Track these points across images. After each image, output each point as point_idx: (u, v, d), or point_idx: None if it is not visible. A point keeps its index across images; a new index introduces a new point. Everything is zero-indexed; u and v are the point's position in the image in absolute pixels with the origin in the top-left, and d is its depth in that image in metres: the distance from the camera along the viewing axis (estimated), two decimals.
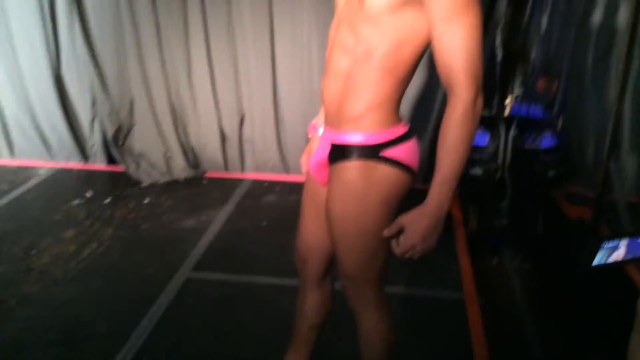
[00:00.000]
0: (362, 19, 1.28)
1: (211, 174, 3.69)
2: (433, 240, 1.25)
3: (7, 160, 3.89)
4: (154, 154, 3.60)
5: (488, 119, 3.37)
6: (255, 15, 3.21)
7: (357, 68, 1.31)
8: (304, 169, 1.69)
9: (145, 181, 3.56)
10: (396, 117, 1.36)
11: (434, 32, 1.19)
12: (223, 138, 3.58)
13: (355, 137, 1.35)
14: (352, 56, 1.32)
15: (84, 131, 3.76)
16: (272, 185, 3.51)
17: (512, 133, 3.20)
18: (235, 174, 3.67)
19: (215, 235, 2.94)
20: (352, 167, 1.35)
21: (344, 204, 1.37)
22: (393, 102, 1.33)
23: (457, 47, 1.16)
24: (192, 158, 3.65)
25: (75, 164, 3.84)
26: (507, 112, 3.26)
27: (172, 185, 3.55)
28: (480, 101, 1.19)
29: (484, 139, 3.33)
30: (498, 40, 3.08)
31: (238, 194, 3.42)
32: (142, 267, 2.65)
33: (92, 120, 3.69)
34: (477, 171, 3.31)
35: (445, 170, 1.22)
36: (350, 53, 1.32)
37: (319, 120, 1.63)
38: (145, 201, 3.34)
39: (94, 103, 3.61)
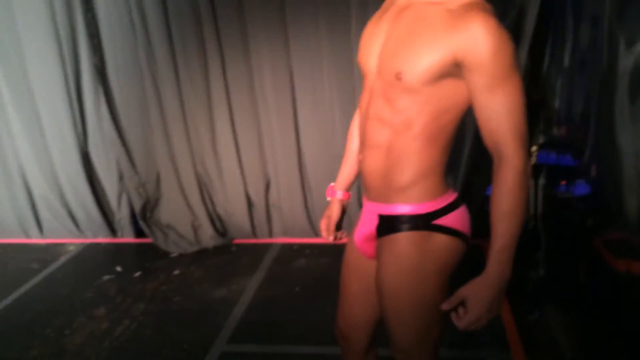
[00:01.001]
0: (399, 91, 1.27)
1: (239, 240, 3.67)
2: (498, 309, 1.22)
3: (36, 239, 3.91)
4: (182, 225, 3.60)
5: None
6: (277, 83, 3.26)
7: (397, 139, 1.31)
8: (323, 234, 1.67)
9: (174, 252, 3.56)
10: (444, 184, 1.35)
11: (477, 102, 1.19)
12: (250, 204, 3.58)
13: (405, 208, 1.34)
14: (391, 128, 1.31)
15: (111, 206, 3.80)
16: (301, 249, 3.48)
17: (541, 182, 3.16)
18: (264, 240, 3.65)
19: (248, 305, 2.89)
20: (404, 238, 1.33)
21: (398, 276, 1.33)
22: (439, 170, 1.33)
23: (504, 114, 1.16)
24: (220, 226, 3.65)
25: (104, 238, 3.86)
26: (533, 160, 3.23)
27: (201, 255, 3.53)
28: (530, 165, 1.21)
29: None
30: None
31: (268, 259, 3.38)
32: (177, 342, 2.60)
33: (120, 195, 3.72)
34: None
35: (504, 237, 1.19)
36: (389, 125, 1.31)
37: (337, 183, 1.62)
38: (175, 272, 3.31)
39: (121, 178, 3.65)
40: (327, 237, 1.67)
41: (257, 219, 3.62)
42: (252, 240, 3.65)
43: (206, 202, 3.60)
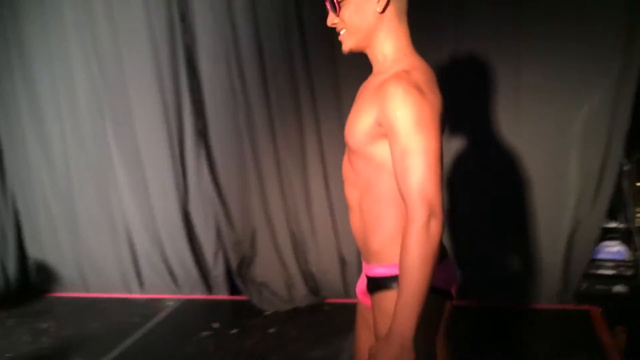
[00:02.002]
0: (353, 153, 1.45)
1: (332, 300, 3.67)
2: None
3: (137, 294, 4.08)
4: (276, 283, 3.65)
5: (621, 231, 3.19)
6: None
7: (364, 199, 1.45)
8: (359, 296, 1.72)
9: (269, 310, 3.60)
10: None
11: (392, 159, 1.31)
12: (342, 263, 3.59)
13: (380, 270, 1.42)
14: (357, 188, 1.47)
15: (208, 263, 3.92)
16: None
17: None
18: (356, 299, 3.61)
19: None
20: (386, 297, 1.39)
21: (383, 332, 1.36)
22: None
23: (406, 172, 1.26)
24: (313, 285, 3.67)
25: (200, 295, 3.96)
26: None
27: (295, 313, 3.55)
28: (435, 224, 1.22)
29: (620, 253, 3.13)
30: (620, 150, 2.99)
31: None
32: None
33: (216, 252, 3.84)
34: (621, 288, 3.08)
35: (402, 294, 1.23)
36: (354, 185, 1.48)
37: None
38: (271, 331, 3.34)
39: (218, 236, 3.78)
40: None
41: (349, 278, 3.62)
42: (345, 300, 3.64)
43: (300, 261, 3.64)
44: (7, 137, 4.06)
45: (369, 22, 1.43)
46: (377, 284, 1.43)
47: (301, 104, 3.38)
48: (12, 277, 4.20)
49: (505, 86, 3.03)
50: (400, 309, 1.23)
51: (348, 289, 3.63)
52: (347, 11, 1.44)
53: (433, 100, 1.32)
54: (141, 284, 4.08)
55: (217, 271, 3.89)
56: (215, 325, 3.48)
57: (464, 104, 3.04)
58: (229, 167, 3.61)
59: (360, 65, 3.17)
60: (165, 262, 3.96)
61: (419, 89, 1.30)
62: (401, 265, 1.24)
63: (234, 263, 3.70)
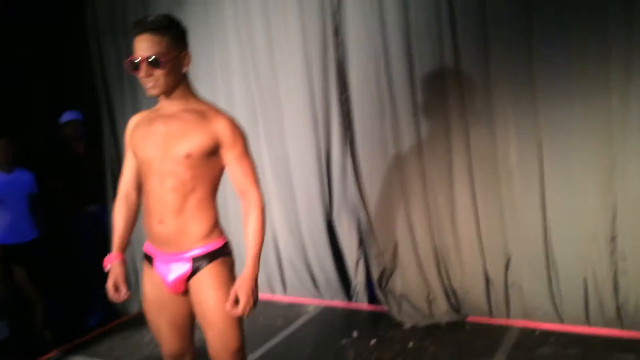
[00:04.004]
0: (186, 167, 2.03)
1: (473, 318, 3.55)
2: (256, 295, 1.97)
3: (281, 297, 4.25)
4: (416, 296, 3.61)
5: None
6: (523, 156, 3.18)
7: (186, 203, 2.07)
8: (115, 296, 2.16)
9: (407, 323, 3.56)
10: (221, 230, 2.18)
11: (230, 167, 2.06)
12: (487, 281, 3.46)
13: (211, 246, 2.13)
14: (181, 194, 2.07)
15: (349, 272, 3.98)
16: (544, 335, 3.22)
17: None
18: (500, 320, 3.47)
19: None
20: (225, 260, 2.15)
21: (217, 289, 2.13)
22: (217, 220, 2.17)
23: (248, 172, 2.06)
24: (455, 302, 3.57)
25: (340, 302, 4.03)
26: None
27: (434, 329, 3.48)
28: (263, 197, 2.08)
29: None
30: None
31: (507, 343, 3.19)
32: None
33: (357, 262, 3.89)
34: None
35: (256, 249, 2.01)
36: (180, 192, 2.06)
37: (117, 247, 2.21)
38: (409, 345, 3.30)
39: (360, 245, 3.83)
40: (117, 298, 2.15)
41: (494, 298, 3.47)
42: (488, 320, 3.49)
43: (442, 276, 3.57)
44: None
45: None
46: (215, 254, 2.08)
47: (450, 119, 3.33)
48: None
49: None
50: (253, 259, 1.99)
51: (492, 309, 3.48)
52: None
53: None
54: (284, 287, 4.25)
55: (358, 280, 3.94)
56: (354, 334, 3.51)
57: None
58: (373, 178, 3.65)
59: (512, 81, 3.10)
60: (308, 267, 4.09)
61: None
62: (252, 230, 2.02)
63: (374, 273, 3.72)
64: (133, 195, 2.22)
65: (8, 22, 4.50)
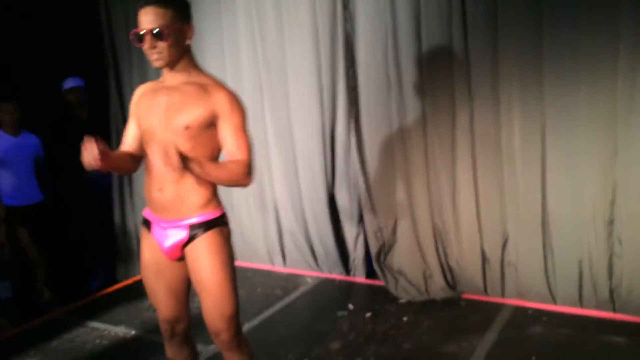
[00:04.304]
0: (186, 137, 2.07)
1: (468, 296, 3.60)
2: (186, 167, 1.94)
3: (280, 268, 4.32)
4: (413, 272, 3.66)
5: None
6: (527, 138, 3.19)
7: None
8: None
9: (403, 298, 3.62)
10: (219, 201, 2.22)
11: (225, 136, 2.08)
12: (484, 260, 3.51)
13: (208, 215, 2.15)
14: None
15: (348, 246, 4.03)
16: (537, 315, 3.28)
17: None
18: (495, 298, 3.52)
19: None
20: (222, 230, 2.20)
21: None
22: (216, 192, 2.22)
23: (242, 145, 2.07)
24: (451, 279, 3.63)
25: (338, 275, 4.09)
26: None
27: (429, 305, 3.54)
28: (254, 169, 2.10)
29: None
30: None
31: (500, 320, 3.25)
32: None
33: (357, 237, 3.94)
34: None
35: (217, 171, 2.04)
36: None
37: None
38: (404, 319, 3.37)
39: (360, 221, 3.87)
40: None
41: (490, 276, 3.52)
42: (483, 297, 3.55)
43: (439, 253, 3.62)
44: None
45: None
46: (212, 223, 2.13)
47: (455, 98, 3.34)
48: None
49: None
50: (214, 169, 2.03)
51: (487, 287, 3.54)
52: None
53: None
54: (284, 258, 4.31)
55: (356, 254, 3.99)
56: (351, 306, 3.58)
57: None
58: (376, 154, 3.68)
59: (520, 62, 3.10)
60: (308, 240, 4.15)
61: None
62: (227, 167, 2.04)
63: (373, 248, 3.77)
64: (132, 152, 2.24)
65: None
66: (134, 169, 2.27)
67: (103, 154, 1.91)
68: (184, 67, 2.10)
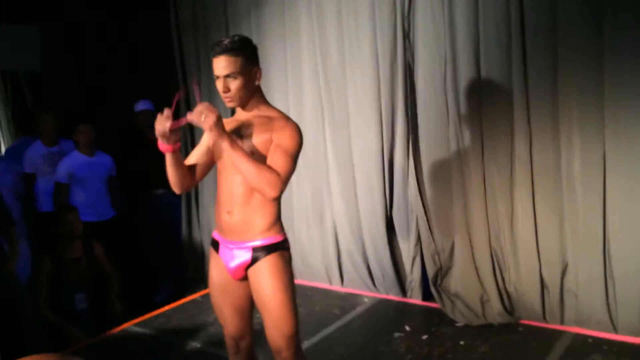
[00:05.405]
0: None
1: (527, 321, 3.59)
2: (212, 127, 2.08)
3: (337, 287, 4.42)
4: (470, 296, 3.69)
5: None
6: (587, 166, 3.20)
7: (252, 197, 2.28)
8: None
9: (460, 321, 3.65)
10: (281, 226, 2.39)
11: (270, 154, 2.19)
12: (542, 286, 3.50)
13: (268, 240, 2.31)
14: (247, 187, 2.26)
15: (405, 268, 4.09)
16: (597, 343, 3.24)
17: None
18: (554, 325, 3.50)
19: None
20: (283, 255, 2.34)
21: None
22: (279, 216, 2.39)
23: (282, 165, 2.17)
24: (508, 304, 3.63)
25: (394, 296, 4.16)
26: None
27: (486, 329, 3.55)
28: (282, 187, 2.15)
29: None
30: None
31: (559, 348, 3.24)
32: None
33: (414, 259, 3.99)
34: None
35: (247, 158, 2.12)
36: (245, 185, 2.26)
37: None
38: (461, 342, 3.39)
39: (417, 243, 3.93)
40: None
41: (549, 303, 3.50)
42: (541, 324, 3.53)
43: (497, 278, 3.63)
44: None
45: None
46: (274, 247, 2.27)
47: (514, 125, 3.39)
48: None
49: None
50: (244, 153, 2.11)
51: (546, 314, 3.52)
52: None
53: None
54: (342, 278, 4.41)
55: (413, 277, 4.04)
56: (407, 328, 3.63)
57: None
58: (434, 180, 3.75)
59: (580, 89, 3.12)
60: (366, 261, 4.24)
61: None
62: (260, 165, 2.11)
63: (430, 271, 3.82)
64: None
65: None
66: (185, 181, 2.35)
67: (173, 126, 2.16)
68: (254, 105, 2.31)
